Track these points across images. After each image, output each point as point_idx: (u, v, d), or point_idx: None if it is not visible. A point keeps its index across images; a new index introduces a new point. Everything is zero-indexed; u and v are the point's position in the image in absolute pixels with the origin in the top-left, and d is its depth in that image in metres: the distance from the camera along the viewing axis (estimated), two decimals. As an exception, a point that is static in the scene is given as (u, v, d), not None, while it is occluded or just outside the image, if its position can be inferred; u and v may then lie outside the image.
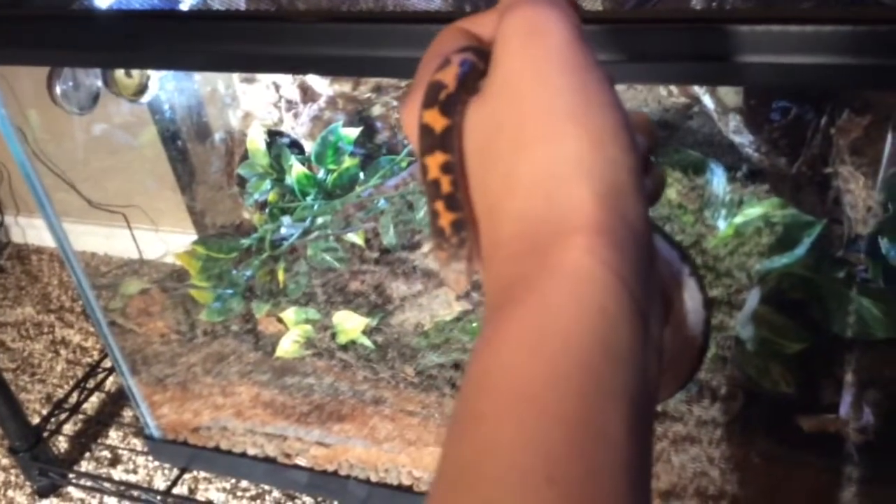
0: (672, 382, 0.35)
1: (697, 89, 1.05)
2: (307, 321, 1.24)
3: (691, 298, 0.34)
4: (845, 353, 0.96)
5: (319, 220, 1.22)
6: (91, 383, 1.57)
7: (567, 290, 0.26)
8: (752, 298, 0.99)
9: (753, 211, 0.95)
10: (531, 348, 0.25)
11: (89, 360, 1.67)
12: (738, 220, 0.97)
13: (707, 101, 1.04)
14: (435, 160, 0.30)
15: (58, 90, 1.07)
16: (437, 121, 0.30)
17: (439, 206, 0.30)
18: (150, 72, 1.22)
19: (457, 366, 1.20)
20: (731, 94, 1.03)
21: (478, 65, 0.31)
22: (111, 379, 1.58)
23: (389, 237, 1.20)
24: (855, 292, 0.95)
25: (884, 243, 0.96)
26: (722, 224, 1.01)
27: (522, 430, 0.24)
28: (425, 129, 0.30)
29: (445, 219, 0.30)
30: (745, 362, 0.98)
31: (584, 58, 0.29)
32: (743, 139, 1.03)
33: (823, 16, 0.59)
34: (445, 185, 0.30)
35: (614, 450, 0.24)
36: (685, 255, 0.34)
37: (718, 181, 1.00)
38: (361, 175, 1.21)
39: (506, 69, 0.29)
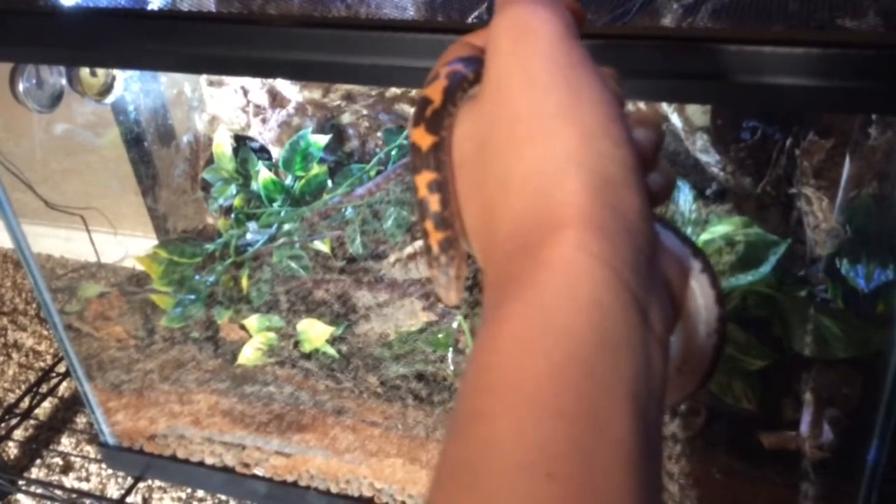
0: (689, 381, 0.35)
1: (666, 108, 1.06)
2: (270, 329, 1.23)
3: (703, 295, 0.33)
4: (806, 371, 0.98)
5: (286, 227, 1.21)
6: (44, 388, 1.53)
7: (560, 284, 0.26)
8: (716, 315, 0.99)
9: (719, 229, 0.96)
10: (526, 344, 0.25)
11: (42, 364, 1.63)
12: (704, 237, 0.98)
13: (675, 119, 1.05)
14: (423, 179, 0.30)
15: (20, 88, 1.05)
16: (424, 139, 0.30)
17: (428, 225, 0.30)
18: (115, 72, 1.20)
19: (420, 377, 1.20)
20: (698, 114, 1.04)
21: (467, 75, 0.31)
22: (64, 384, 1.55)
23: (356, 246, 1.20)
24: (816, 311, 0.96)
25: (843, 264, 0.98)
26: (687, 241, 1.02)
27: (520, 427, 0.23)
28: (413, 148, 0.31)
29: (434, 238, 0.31)
30: (707, 378, 0.98)
31: (574, 54, 0.29)
32: (709, 158, 1.04)
33: (796, 38, 0.60)
34: (434, 204, 0.30)
35: (615, 444, 0.23)
36: (697, 251, 0.34)
37: (685, 199, 1.01)
38: (330, 183, 1.20)
39: (496, 69, 0.29)
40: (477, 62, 0.31)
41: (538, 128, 0.28)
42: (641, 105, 0.96)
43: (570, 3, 0.31)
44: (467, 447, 0.24)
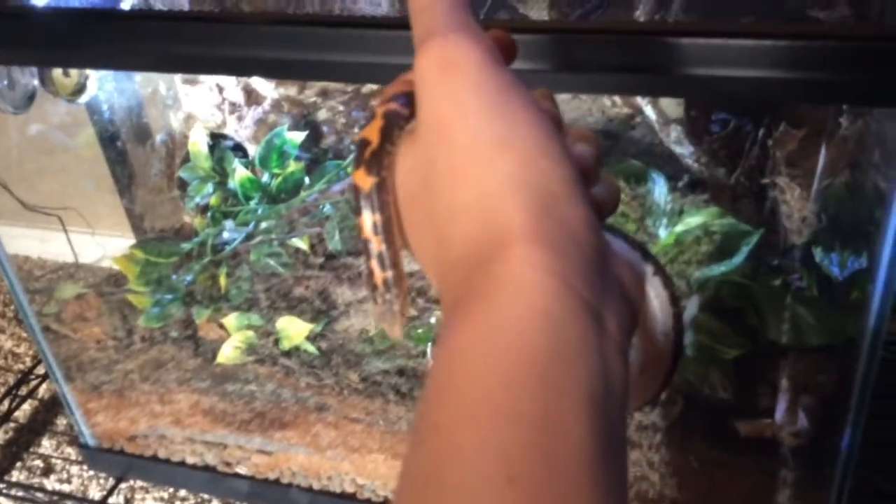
0: (652, 383, 0.36)
1: (640, 101, 1.07)
2: (249, 327, 1.23)
3: (657, 297, 0.34)
4: (781, 359, 0.99)
5: (263, 225, 1.21)
6: (23, 390, 1.52)
7: (510, 296, 0.26)
8: (692, 305, 1.01)
9: (693, 220, 0.97)
10: (482, 354, 0.25)
11: (21, 366, 1.62)
12: (679, 228, 0.99)
13: (649, 112, 1.06)
14: (366, 220, 0.31)
15: (-8, 88, 1.04)
16: (365, 181, 0.31)
17: (373, 264, 0.31)
18: (88, 71, 1.19)
19: (401, 372, 1.20)
20: (672, 106, 1.05)
21: (402, 112, 0.32)
22: (44, 386, 1.54)
23: (335, 242, 1.20)
24: (790, 300, 0.97)
25: (817, 253, 0.99)
26: (663, 232, 1.03)
27: (479, 434, 0.24)
28: (355, 190, 0.31)
29: (378, 277, 0.31)
30: (684, 368, 0.99)
31: (501, 79, 0.29)
32: (683, 149, 1.05)
33: (763, 31, 0.61)
34: (376, 245, 0.31)
35: (574, 445, 0.24)
36: (647, 255, 0.34)
37: (660, 190, 1.02)
38: (307, 180, 1.20)
39: (428, 104, 0.30)
40: (412, 98, 0.32)
41: (476, 156, 0.28)
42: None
43: (499, 34, 0.32)
44: (427, 459, 0.24)
